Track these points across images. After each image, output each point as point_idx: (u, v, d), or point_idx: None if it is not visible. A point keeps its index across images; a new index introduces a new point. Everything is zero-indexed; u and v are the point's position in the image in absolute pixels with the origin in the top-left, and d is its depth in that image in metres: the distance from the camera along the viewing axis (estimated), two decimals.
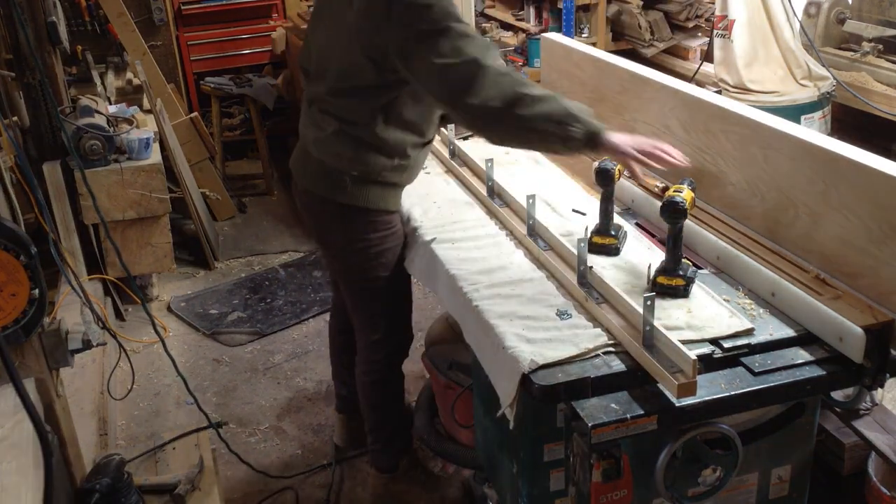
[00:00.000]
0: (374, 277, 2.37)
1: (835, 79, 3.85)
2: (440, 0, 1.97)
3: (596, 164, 2.04)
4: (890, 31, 3.90)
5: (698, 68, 4.53)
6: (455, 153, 2.68)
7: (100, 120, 3.74)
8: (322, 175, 2.30)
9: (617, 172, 2.01)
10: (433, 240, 2.20)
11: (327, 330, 3.12)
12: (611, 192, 2.04)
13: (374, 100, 2.17)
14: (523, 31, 4.98)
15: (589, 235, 2.04)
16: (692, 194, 1.85)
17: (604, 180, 2.01)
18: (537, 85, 2.00)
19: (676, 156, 2.02)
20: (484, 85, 1.93)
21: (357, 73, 2.15)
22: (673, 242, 1.86)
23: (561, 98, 1.96)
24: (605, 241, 2.04)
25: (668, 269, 1.87)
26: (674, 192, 1.83)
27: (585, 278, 1.86)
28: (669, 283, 1.85)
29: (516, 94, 1.93)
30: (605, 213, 2.05)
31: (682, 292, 1.84)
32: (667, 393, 1.58)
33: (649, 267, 1.89)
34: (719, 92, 3.90)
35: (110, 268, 3.77)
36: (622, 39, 5.04)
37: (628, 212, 2.32)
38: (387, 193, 2.30)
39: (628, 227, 2.17)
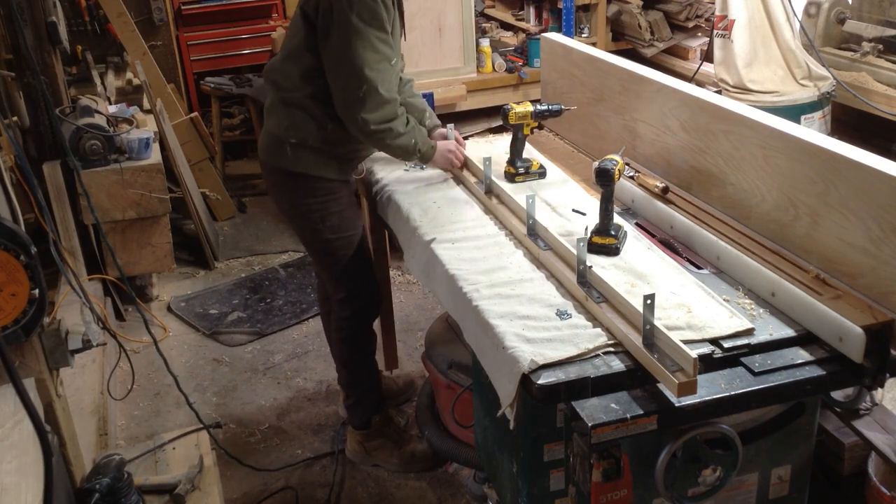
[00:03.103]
0: (323, 240, 2.58)
1: (835, 79, 3.85)
2: (376, 1, 2.27)
3: (596, 164, 2.05)
4: (890, 31, 3.90)
5: (698, 68, 4.53)
6: None
7: (100, 120, 3.74)
8: (269, 144, 2.54)
9: (616, 173, 2.03)
10: (433, 240, 2.20)
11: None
12: (610, 192, 2.04)
13: (303, 64, 2.41)
14: (523, 31, 4.98)
15: (589, 235, 2.05)
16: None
17: (604, 180, 2.02)
18: (401, 116, 2.42)
19: (458, 157, 2.59)
20: (371, 106, 2.33)
21: (294, 34, 2.42)
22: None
23: (415, 131, 2.46)
24: (605, 241, 2.05)
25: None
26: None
27: (585, 278, 1.86)
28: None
29: (388, 126, 2.38)
30: (605, 213, 2.06)
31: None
32: (667, 392, 1.58)
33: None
34: (719, 92, 3.90)
35: (110, 268, 3.77)
36: (622, 39, 5.04)
37: (628, 212, 2.32)
38: (324, 161, 2.50)
39: (628, 227, 2.17)
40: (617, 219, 2.12)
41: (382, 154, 2.73)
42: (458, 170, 2.61)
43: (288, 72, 2.46)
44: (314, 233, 2.59)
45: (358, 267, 2.67)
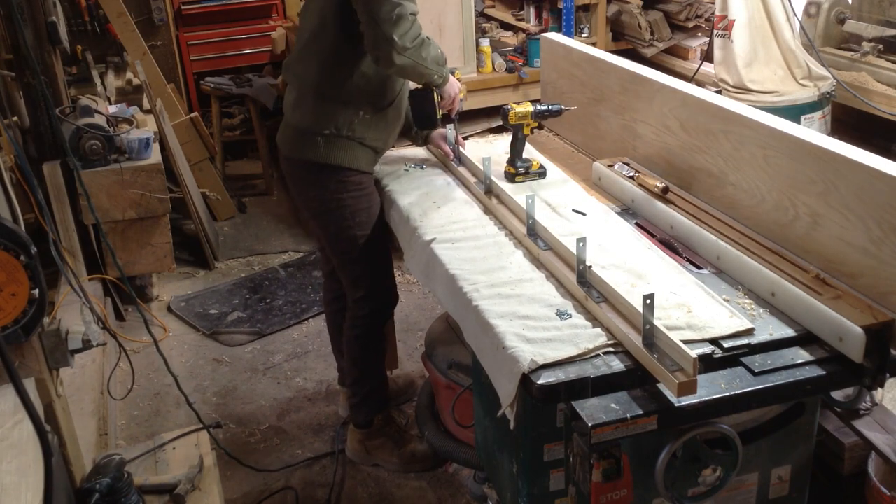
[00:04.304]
0: (351, 237, 2.56)
1: (835, 79, 3.85)
2: None
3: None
4: (890, 31, 3.90)
5: (698, 68, 4.53)
6: (455, 153, 2.68)
7: (100, 120, 3.74)
8: (297, 138, 2.52)
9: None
10: (433, 240, 2.20)
11: (327, 330, 3.14)
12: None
13: (334, 53, 2.40)
14: (523, 31, 4.98)
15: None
16: (529, 108, 2.52)
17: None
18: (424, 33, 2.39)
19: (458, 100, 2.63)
20: (404, 24, 2.28)
21: (323, 25, 2.40)
22: (513, 143, 2.56)
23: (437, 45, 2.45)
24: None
25: (508, 161, 2.56)
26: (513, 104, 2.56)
27: (585, 278, 1.86)
28: (509, 171, 2.54)
29: (421, 39, 2.34)
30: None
31: (511, 177, 2.53)
32: (667, 392, 1.58)
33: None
34: (719, 92, 3.90)
35: (110, 268, 3.77)
36: (622, 39, 5.04)
37: (628, 212, 2.32)
38: (357, 151, 2.49)
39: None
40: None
41: (383, 154, 2.72)
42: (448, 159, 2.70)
43: (308, 64, 2.46)
44: (342, 229, 2.56)
45: (380, 265, 2.67)
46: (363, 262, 2.62)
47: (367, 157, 2.54)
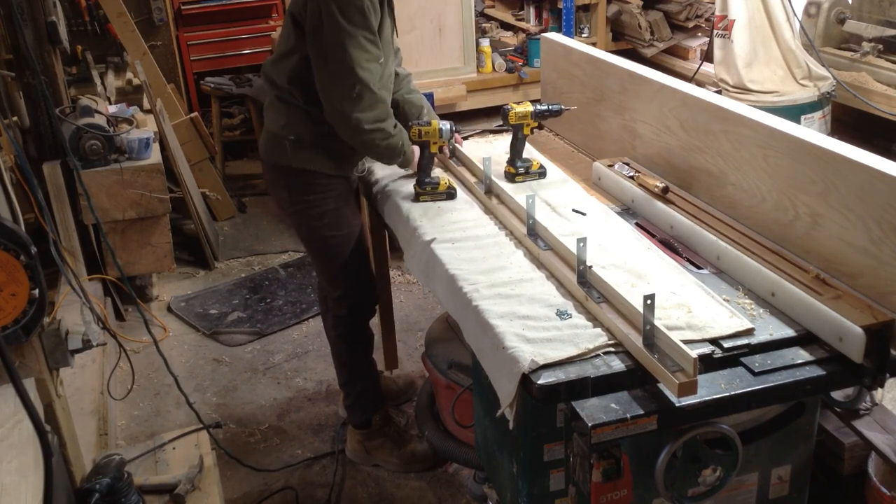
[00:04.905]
0: (321, 237, 2.60)
1: (835, 79, 3.85)
2: (362, 2, 2.26)
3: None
4: (890, 31, 3.90)
5: (698, 68, 4.53)
6: (454, 153, 2.69)
7: (100, 120, 3.74)
8: (269, 141, 2.56)
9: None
10: (433, 240, 2.20)
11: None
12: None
13: (296, 65, 2.43)
14: (523, 31, 4.99)
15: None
16: (529, 108, 2.50)
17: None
18: (391, 117, 2.44)
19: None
20: (365, 105, 2.34)
21: (286, 37, 2.44)
22: (513, 142, 2.55)
23: (402, 133, 2.46)
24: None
25: (508, 161, 2.56)
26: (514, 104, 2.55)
27: (585, 278, 1.86)
28: (508, 171, 2.55)
29: (380, 126, 2.39)
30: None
31: (511, 177, 2.53)
32: (667, 392, 1.58)
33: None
34: (719, 92, 3.90)
35: (110, 268, 3.78)
36: (622, 39, 5.04)
37: (628, 212, 2.32)
38: (321, 157, 2.52)
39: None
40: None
41: (362, 157, 2.72)
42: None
43: (279, 73, 2.48)
44: (311, 229, 2.60)
45: (355, 264, 2.68)
46: (336, 261, 2.65)
47: (336, 162, 2.55)
